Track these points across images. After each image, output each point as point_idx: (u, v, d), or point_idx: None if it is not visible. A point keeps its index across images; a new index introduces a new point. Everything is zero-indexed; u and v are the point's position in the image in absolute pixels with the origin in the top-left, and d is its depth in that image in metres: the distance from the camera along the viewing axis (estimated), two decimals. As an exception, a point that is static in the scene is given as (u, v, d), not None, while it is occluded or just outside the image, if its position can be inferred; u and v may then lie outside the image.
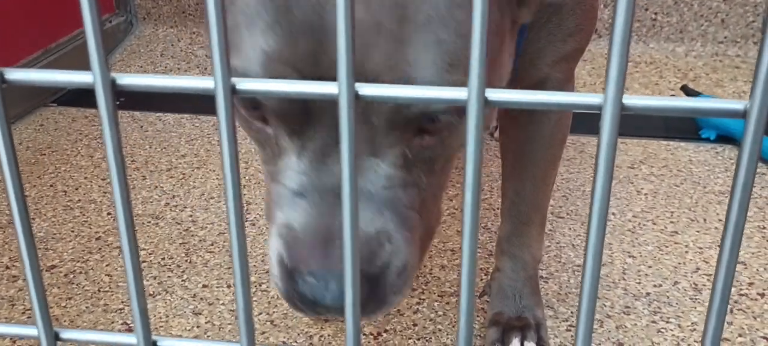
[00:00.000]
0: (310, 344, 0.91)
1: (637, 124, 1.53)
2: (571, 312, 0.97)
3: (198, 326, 0.95)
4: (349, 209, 0.33)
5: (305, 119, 0.52)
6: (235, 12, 0.53)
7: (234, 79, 0.34)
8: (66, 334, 0.41)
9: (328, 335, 0.92)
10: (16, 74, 0.35)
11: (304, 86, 0.34)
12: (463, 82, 0.51)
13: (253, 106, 0.54)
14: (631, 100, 0.31)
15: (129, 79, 0.34)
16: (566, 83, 0.80)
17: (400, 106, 0.51)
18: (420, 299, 0.99)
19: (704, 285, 1.01)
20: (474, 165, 0.32)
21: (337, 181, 0.53)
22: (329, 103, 0.50)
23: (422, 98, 0.32)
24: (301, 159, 0.54)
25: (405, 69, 0.49)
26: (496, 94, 0.32)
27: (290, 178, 0.55)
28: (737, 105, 0.30)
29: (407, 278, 0.57)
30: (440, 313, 0.97)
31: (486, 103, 0.32)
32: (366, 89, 0.33)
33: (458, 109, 0.52)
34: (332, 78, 0.49)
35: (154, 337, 0.40)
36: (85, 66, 0.34)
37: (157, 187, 1.31)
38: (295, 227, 0.55)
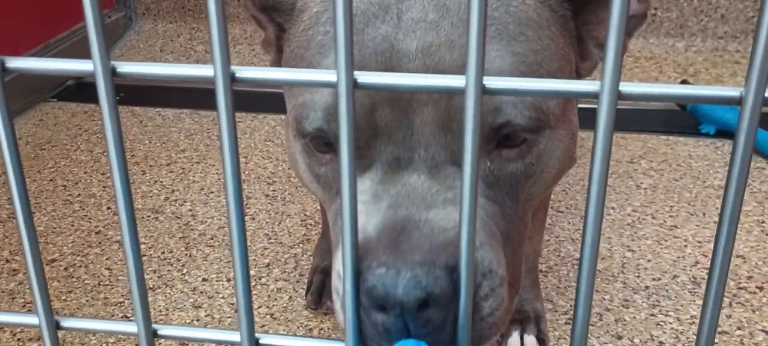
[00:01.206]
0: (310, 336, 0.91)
1: (636, 119, 1.53)
2: (570, 305, 0.97)
3: (198, 320, 0.95)
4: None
5: (372, 136, 0.53)
6: (309, 56, 0.57)
7: (233, 67, 0.34)
8: (67, 322, 0.41)
9: (328, 328, 0.93)
10: (16, 63, 0.35)
11: (304, 74, 0.34)
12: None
13: (324, 143, 0.55)
14: (628, 87, 0.31)
15: (129, 68, 0.35)
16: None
17: (482, 115, 0.51)
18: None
19: (703, 279, 1.02)
20: (471, 154, 0.33)
21: (410, 189, 0.52)
22: (398, 120, 0.52)
23: (415, 86, 0.32)
24: (373, 173, 0.54)
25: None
26: (495, 82, 0.33)
27: (361, 192, 0.54)
28: (733, 92, 0.30)
29: (496, 286, 0.51)
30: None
31: (484, 91, 0.32)
32: (364, 77, 0.33)
33: (534, 127, 0.53)
34: (403, 100, 0.51)
35: (154, 325, 0.41)
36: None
37: (156, 181, 1.31)
38: (368, 230, 0.51)
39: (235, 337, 0.40)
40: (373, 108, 0.52)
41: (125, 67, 0.35)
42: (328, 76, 0.33)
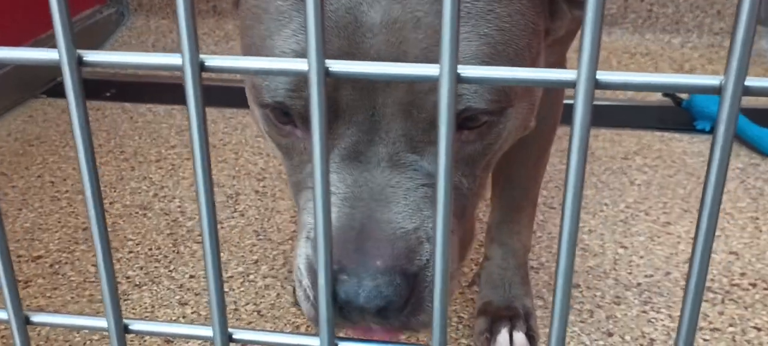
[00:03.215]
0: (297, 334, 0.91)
1: (631, 115, 1.52)
2: (561, 302, 0.96)
3: (184, 317, 0.94)
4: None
5: (334, 118, 0.51)
6: (267, 19, 0.53)
7: (202, 56, 0.33)
8: (37, 317, 0.40)
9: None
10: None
11: (275, 63, 0.33)
12: None
13: (284, 112, 0.53)
14: (605, 76, 0.30)
15: (95, 56, 0.34)
16: (557, 66, 0.79)
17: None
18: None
19: (695, 275, 1.01)
20: (446, 143, 0.32)
21: (368, 179, 0.51)
22: (360, 101, 0.50)
23: (389, 74, 0.31)
24: (332, 159, 0.52)
25: None
26: (470, 71, 0.32)
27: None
28: (713, 80, 0.29)
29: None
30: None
31: (458, 80, 0.31)
32: (337, 66, 0.32)
33: (496, 110, 0.52)
34: (366, 79, 0.49)
35: (125, 320, 0.40)
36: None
37: (145, 178, 1.30)
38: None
39: (207, 332, 0.39)
40: (336, 86, 0.50)
41: (92, 56, 0.34)
42: (299, 64, 0.32)
